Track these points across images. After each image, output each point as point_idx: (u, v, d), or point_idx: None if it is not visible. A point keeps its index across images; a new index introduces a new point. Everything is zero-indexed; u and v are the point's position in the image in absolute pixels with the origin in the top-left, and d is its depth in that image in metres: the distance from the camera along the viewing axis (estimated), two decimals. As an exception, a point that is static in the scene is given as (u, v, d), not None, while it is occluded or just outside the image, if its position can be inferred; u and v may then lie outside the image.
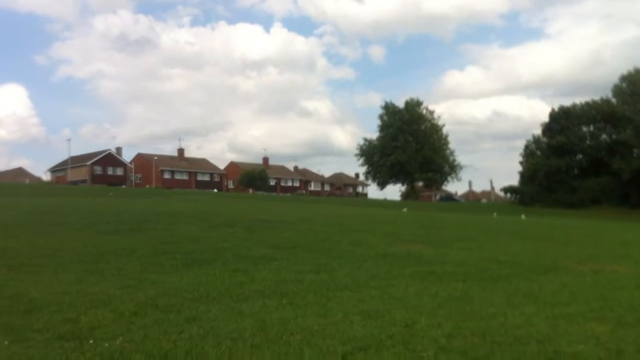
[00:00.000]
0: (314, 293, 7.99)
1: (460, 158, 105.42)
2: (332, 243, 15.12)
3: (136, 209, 23.77)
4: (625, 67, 75.36)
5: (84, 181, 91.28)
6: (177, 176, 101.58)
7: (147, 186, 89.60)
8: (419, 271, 10.43)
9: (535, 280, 9.61)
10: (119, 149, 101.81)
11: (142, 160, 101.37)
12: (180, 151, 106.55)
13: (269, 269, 10.08)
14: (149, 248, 12.65)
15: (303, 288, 8.34)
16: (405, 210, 39.06)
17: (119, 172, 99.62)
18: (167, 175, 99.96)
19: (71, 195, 41.48)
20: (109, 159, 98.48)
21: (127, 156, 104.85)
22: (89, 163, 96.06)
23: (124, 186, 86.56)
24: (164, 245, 13.27)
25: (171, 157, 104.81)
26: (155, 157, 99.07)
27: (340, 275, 9.67)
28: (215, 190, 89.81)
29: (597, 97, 77.52)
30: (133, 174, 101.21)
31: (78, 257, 11.09)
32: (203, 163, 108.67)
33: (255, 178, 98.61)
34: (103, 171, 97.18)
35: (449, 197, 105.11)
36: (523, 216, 37.93)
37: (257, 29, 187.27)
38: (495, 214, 44.03)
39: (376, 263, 11.56)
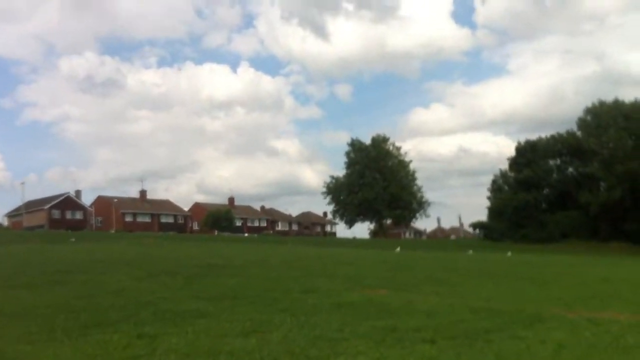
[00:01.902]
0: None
1: (428, 195, 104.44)
2: (281, 291, 13.08)
3: (71, 256, 21.46)
4: (585, 103, 76.08)
5: (41, 226, 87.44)
6: (139, 219, 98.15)
7: (112, 230, 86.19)
8: (378, 327, 8.43)
9: (521, 338, 7.68)
10: (78, 192, 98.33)
11: (103, 203, 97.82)
12: (142, 193, 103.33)
13: (187, 332, 7.97)
14: (55, 305, 10.42)
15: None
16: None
17: (79, 215, 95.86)
18: (128, 218, 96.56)
19: (20, 243, 38.61)
20: (68, 202, 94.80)
21: (91, 199, 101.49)
22: (46, 207, 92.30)
23: (85, 230, 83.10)
24: (76, 300, 11.05)
25: (132, 200, 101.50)
26: (115, 200, 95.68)
27: (276, 338, 7.62)
28: (171, 232, 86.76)
29: (561, 132, 77.64)
30: (93, 217, 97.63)
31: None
32: (166, 204, 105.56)
33: (220, 219, 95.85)
34: (62, 215, 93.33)
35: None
36: (509, 253, 36.56)
37: (224, 69, 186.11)
38: (471, 251, 42.56)
39: (327, 317, 9.54)
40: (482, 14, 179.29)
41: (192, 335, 7.84)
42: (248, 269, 17.80)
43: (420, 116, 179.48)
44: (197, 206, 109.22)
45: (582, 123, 74.44)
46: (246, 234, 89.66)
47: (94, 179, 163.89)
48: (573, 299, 12.33)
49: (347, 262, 22.54)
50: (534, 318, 9.41)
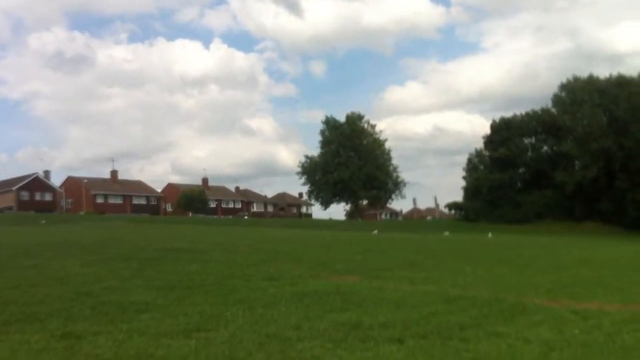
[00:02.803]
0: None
1: (404, 175, 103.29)
2: (242, 279, 12.06)
3: (26, 240, 20.21)
4: (559, 80, 75.09)
5: (9, 208, 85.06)
6: (111, 200, 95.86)
7: (82, 212, 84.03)
8: (340, 323, 7.46)
9: (501, 336, 6.75)
10: (47, 172, 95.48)
11: (73, 184, 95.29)
12: (114, 173, 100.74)
13: (121, 331, 6.91)
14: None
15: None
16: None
17: (48, 197, 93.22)
18: (99, 200, 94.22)
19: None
20: (37, 183, 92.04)
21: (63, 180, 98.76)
22: (14, 188, 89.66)
23: (55, 212, 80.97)
24: (9, 290, 9.92)
25: (104, 180, 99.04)
26: (85, 180, 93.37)
27: (221, 338, 6.60)
28: (143, 214, 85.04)
29: (535, 109, 77.05)
30: (64, 199, 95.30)
31: None
32: (138, 185, 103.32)
33: (194, 200, 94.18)
34: (30, 197, 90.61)
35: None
36: (490, 234, 35.97)
37: (196, 45, 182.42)
38: (447, 232, 41.99)
39: (287, 310, 8.55)
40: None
41: (125, 334, 6.78)
42: (211, 253, 16.74)
43: (396, 94, 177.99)
44: (170, 187, 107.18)
45: (556, 99, 73.68)
46: (246, 217, 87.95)
47: (66, 159, 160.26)
48: (555, 285, 11.49)
49: (318, 244, 21.61)
50: (514, 309, 8.51)
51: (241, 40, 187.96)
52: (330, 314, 8.18)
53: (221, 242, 20.94)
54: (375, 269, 14.22)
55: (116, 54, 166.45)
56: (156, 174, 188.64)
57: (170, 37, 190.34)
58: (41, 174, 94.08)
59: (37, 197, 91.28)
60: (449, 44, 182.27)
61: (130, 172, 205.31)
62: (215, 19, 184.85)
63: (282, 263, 15.03)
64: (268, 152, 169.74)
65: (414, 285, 11.43)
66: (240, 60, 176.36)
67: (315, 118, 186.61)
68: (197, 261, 14.77)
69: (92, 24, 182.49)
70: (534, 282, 11.89)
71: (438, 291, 10.44)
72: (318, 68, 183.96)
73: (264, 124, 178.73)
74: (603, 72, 73.17)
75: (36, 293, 9.69)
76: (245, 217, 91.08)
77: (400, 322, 7.55)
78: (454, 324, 7.39)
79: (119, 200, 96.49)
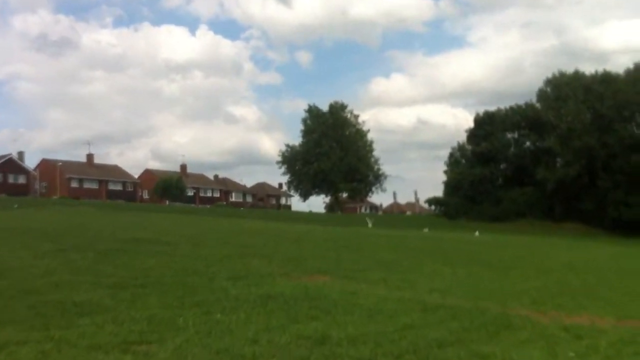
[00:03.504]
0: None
1: (386, 168, 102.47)
2: (205, 276, 11.13)
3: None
4: (544, 76, 74.23)
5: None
6: (86, 185, 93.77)
7: (54, 197, 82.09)
8: (304, 336, 6.58)
9: (486, 357, 5.92)
10: (21, 154, 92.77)
11: (48, 167, 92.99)
12: (90, 157, 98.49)
13: (52, 340, 5.98)
14: None
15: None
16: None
17: (22, 180, 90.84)
18: (74, 184, 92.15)
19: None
20: (10, 165, 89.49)
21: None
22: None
23: (29, 196, 78.99)
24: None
25: (79, 164, 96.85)
26: (60, 163, 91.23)
27: (164, 352, 5.70)
28: (119, 200, 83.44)
29: (520, 103, 76.53)
30: (38, 182, 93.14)
31: None
32: (115, 170, 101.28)
33: (171, 187, 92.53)
34: (3, 179, 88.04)
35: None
36: (477, 233, 35.33)
37: (182, 31, 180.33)
38: (426, 229, 41.37)
39: (247, 317, 7.65)
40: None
41: (53, 345, 5.85)
42: (176, 246, 15.77)
43: (381, 86, 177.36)
44: (147, 173, 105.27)
45: (541, 94, 72.97)
46: (241, 208, 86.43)
47: (44, 141, 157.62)
48: (540, 293, 10.72)
49: (292, 239, 20.70)
50: (499, 322, 7.69)
51: (228, 27, 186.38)
52: (294, 325, 7.29)
53: (191, 233, 19.97)
54: (349, 269, 13.37)
55: (101, 37, 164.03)
56: (136, 159, 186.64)
57: (156, 22, 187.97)
58: (15, 156, 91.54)
59: (11, 179, 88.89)
60: (436, 37, 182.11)
61: (110, 156, 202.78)
62: (202, 6, 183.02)
63: (251, 259, 14.12)
64: (250, 140, 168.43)
65: (389, 290, 10.60)
66: (226, 47, 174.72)
67: (300, 108, 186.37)
68: (159, 254, 13.81)
69: (78, 7, 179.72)
70: (518, 289, 11.12)
71: (415, 297, 9.62)
72: (304, 58, 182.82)
73: (247, 112, 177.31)
74: (588, 69, 72.72)
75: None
76: (224, 204, 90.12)
77: (372, 336, 6.69)
78: (432, 341, 6.53)
79: (94, 185, 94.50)
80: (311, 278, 11.71)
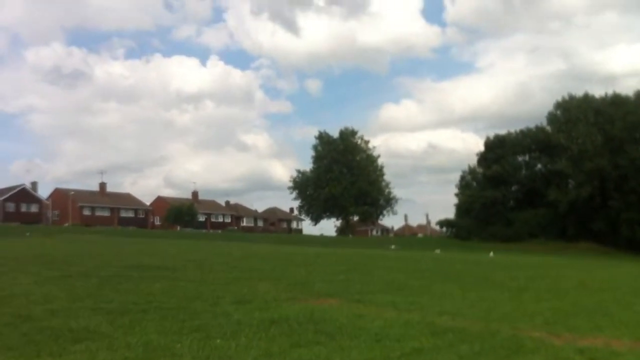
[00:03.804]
0: None
1: (397, 191, 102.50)
2: (208, 301, 10.85)
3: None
4: (552, 101, 74.41)
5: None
6: (98, 212, 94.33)
7: (67, 224, 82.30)
8: (306, 362, 6.30)
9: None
10: (34, 184, 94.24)
11: (60, 196, 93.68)
12: (102, 185, 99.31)
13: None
14: None
15: None
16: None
17: (34, 209, 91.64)
18: (86, 212, 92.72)
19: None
20: (23, 194, 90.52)
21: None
22: (0, 199, 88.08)
23: (40, 224, 79.29)
24: None
25: (91, 193, 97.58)
26: (72, 192, 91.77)
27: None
28: (131, 227, 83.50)
29: (530, 127, 76.34)
30: (50, 210, 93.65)
31: None
32: (126, 198, 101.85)
33: (183, 214, 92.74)
34: (16, 208, 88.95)
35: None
36: (491, 254, 34.84)
37: (193, 62, 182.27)
38: (438, 250, 40.91)
39: (247, 342, 7.37)
40: (451, 11, 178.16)
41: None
42: (182, 271, 15.52)
43: (390, 112, 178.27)
44: (159, 200, 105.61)
45: (551, 117, 73.07)
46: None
47: (59, 172, 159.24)
48: (554, 314, 10.33)
49: (301, 262, 20.37)
50: (511, 345, 7.35)
51: (238, 57, 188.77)
52: (296, 349, 7.01)
53: (198, 258, 19.71)
54: (358, 291, 13.04)
55: (113, 69, 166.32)
56: (149, 187, 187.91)
57: (167, 54, 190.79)
58: (28, 186, 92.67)
59: (23, 208, 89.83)
60: (444, 63, 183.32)
61: (124, 185, 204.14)
62: (213, 37, 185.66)
63: (257, 282, 13.84)
64: (262, 167, 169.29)
65: (397, 312, 10.27)
66: (237, 77, 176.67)
67: (310, 135, 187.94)
68: (164, 279, 13.56)
69: (90, 40, 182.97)
70: (530, 311, 10.74)
71: (424, 320, 9.29)
72: (314, 86, 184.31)
73: (259, 139, 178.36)
74: (596, 93, 72.79)
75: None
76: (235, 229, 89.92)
77: (377, 360, 6.40)
78: (441, 367, 6.23)
79: (106, 213, 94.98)
80: (318, 301, 11.41)
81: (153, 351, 6.80)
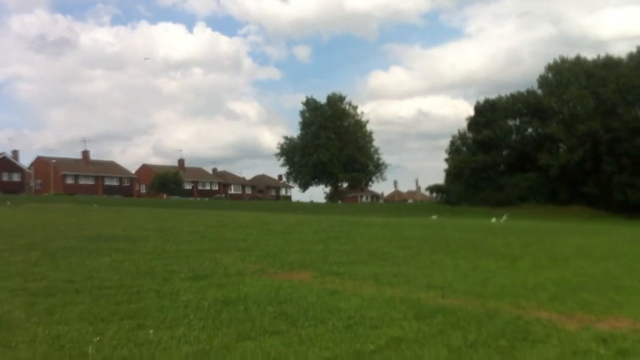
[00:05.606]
0: None
1: (387, 158, 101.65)
2: (159, 277, 9.33)
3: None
4: (542, 65, 73.04)
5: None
6: (82, 181, 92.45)
7: (48, 194, 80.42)
8: (250, 362, 4.81)
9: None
10: (15, 152, 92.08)
11: (43, 165, 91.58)
12: (85, 153, 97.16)
13: None
14: None
15: None
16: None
17: (16, 177, 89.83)
18: (70, 180, 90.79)
19: None
20: (4, 163, 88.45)
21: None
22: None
23: (23, 193, 77.52)
24: None
25: (75, 161, 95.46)
26: (54, 160, 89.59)
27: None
28: (116, 196, 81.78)
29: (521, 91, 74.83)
30: (33, 179, 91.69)
31: None
32: (111, 166, 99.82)
33: (168, 182, 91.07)
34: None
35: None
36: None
37: (179, 28, 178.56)
38: (435, 216, 39.75)
39: (185, 333, 5.88)
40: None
41: None
42: (143, 242, 13.99)
43: (380, 79, 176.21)
44: (144, 168, 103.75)
45: (543, 81, 71.68)
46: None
47: (47, 141, 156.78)
48: (559, 287, 8.88)
49: (279, 231, 18.89)
50: (514, 331, 5.86)
51: (225, 24, 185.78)
52: (243, 342, 5.53)
53: (167, 227, 18.20)
54: (336, 262, 11.56)
55: (99, 36, 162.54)
56: (138, 156, 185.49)
57: (153, 20, 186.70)
58: (9, 154, 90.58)
59: (5, 177, 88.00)
60: (433, 29, 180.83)
61: (112, 153, 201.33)
62: (199, 3, 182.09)
63: (223, 254, 12.35)
64: (251, 134, 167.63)
65: (378, 287, 8.80)
66: (224, 44, 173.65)
67: (299, 101, 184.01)
68: (118, 252, 12.02)
69: (75, 7, 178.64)
70: (532, 283, 9.29)
71: (408, 297, 7.82)
72: (303, 52, 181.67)
73: (248, 107, 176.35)
74: (588, 56, 71.26)
75: None
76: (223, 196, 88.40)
77: (343, 359, 4.92)
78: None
79: (90, 181, 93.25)
80: (289, 275, 9.93)
81: (59, 349, 5.30)
